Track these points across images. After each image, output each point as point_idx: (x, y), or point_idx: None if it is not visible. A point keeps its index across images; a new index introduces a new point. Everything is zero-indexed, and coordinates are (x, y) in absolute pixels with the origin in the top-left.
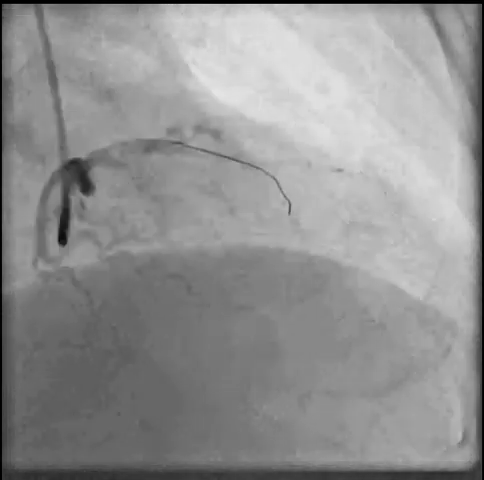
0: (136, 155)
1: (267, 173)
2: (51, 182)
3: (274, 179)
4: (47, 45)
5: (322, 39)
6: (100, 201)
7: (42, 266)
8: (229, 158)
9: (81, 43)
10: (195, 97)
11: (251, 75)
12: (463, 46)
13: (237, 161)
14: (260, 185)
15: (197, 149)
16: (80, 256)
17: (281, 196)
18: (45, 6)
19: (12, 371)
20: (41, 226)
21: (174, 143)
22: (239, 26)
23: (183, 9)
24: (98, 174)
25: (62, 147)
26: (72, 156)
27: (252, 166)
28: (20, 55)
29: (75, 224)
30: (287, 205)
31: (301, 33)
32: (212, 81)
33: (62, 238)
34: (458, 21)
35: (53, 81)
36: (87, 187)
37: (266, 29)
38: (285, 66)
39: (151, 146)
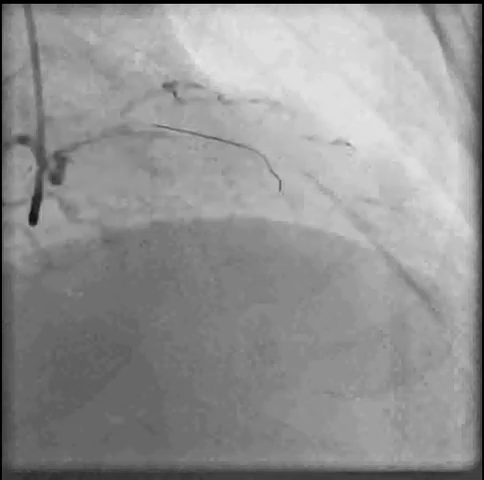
0: (119, 138)
1: (256, 152)
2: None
3: (261, 156)
4: (33, 39)
5: (321, 39)
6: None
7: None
8: (217, 139)
9: (81, 42)
10: (195, 96)
11: (250, 75)
12: (463, 46)
13: (226, 142)
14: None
15: (185, 131)
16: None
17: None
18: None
19: (12, 371)
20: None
21: (158, 126)
22: (239, 27)
23: (183, 9)
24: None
25: (40, 134)
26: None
27: (240, 146)
28: (20, 55)
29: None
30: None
31: (300, 33)
32: (212, 80)
33: (33, 219)
34: (458, 21)
35: (36, 68)
36: (57, 179)
37: (265, 29)
38: (284, 66)
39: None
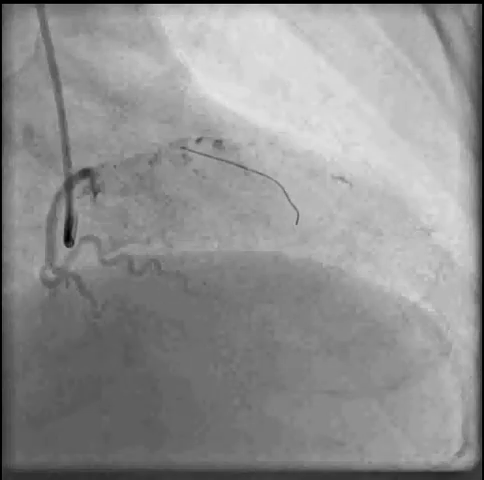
0: (139, 165)
1: (273, 180)
2: (61, 192)
3: (280, 186)
4: (50, 47)
5: (322, 39)
6: (104, 206)
7: (48, 271)
8: (234, 164)
9: (81, 43)
10: (195, 98)
11: (251, 76)
12: (463, 46)
13: (242, 167)
14: (263, 190)
15: (201, 154)
16: (82, 258)
17: (286, 203)
18: (46, 6)
19: (12, 371)
20: (50, 230)
21: (180, 148)
22: (240, 27)
23: (183, 9)
24: (101, 183)
25: (66, 149)
26: (73, 158)
27: (258, 173)
28: (20, 55)
29: (79, 226)
30: (292, 212)
31: (301, 33)
32: (212, 82)
33: (68, 240)
34: (458, 21)
35: (56, 82)
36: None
37: (266, 30)
38: (285, 67)
39: (154, 156)
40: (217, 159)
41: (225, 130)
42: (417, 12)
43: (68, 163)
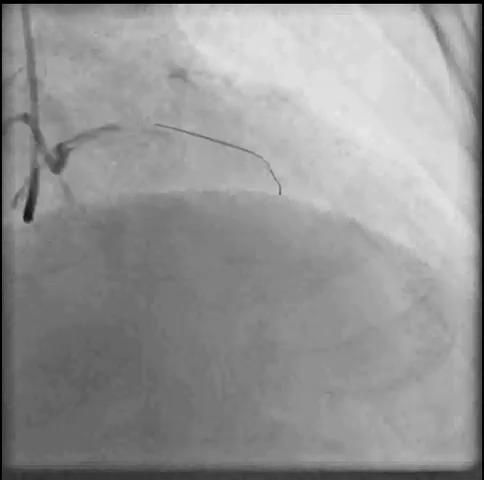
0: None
1: (258, 156)
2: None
3: (265, 162)
4: (29, 40)
5: (320, 40)
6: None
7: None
8: (220, 142)
9: (81, 40)
10: (194, 96)
11: (250, 75)
12: (462, 46)
13: (228, 145)
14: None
15: (188, 133)
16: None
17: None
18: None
19: (12, 371)
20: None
21: (165, 127)
22: (239, 26)
23: (183, 9)
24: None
25: (35, 133)
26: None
27: (243, 150)
28: (20, 55)
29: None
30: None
31: (299, 33)
32: (212, 80)
33: (28, 216)
34: (457, 21)
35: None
36: (57, 168)
37: (265, 29)
38: (283, 67)
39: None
40: (202, 137)
41: (223, 124)
42: (416, 12)
43: (38, 139)
